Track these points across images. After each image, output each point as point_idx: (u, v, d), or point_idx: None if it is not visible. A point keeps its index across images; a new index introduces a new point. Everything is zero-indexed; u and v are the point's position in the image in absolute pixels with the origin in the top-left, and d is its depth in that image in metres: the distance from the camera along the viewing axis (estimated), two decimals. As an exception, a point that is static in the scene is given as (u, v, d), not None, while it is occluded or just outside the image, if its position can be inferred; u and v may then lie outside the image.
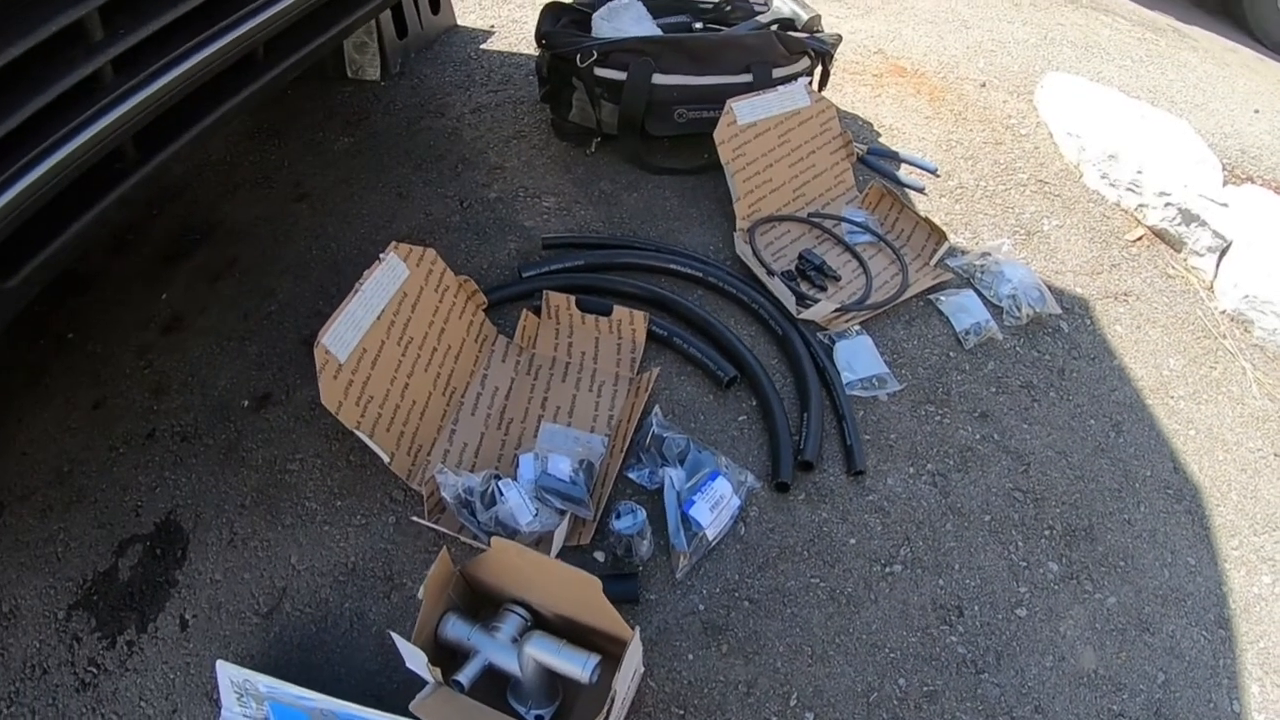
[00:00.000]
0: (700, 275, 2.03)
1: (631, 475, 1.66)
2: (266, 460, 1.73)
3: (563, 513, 1.53)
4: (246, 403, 1.83)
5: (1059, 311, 2.06)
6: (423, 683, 1.26)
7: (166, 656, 1.48)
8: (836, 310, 1.96)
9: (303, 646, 1.48)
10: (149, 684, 1.45)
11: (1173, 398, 1.96)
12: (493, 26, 3.07)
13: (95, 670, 1.47)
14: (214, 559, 1.59)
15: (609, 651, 1.31)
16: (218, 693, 1.39)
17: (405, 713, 1.22)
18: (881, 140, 2.58)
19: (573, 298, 1.86)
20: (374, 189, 2.35)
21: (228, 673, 1.36)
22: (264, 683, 1.33)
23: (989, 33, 3.22)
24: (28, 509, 1.69)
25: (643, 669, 1.42)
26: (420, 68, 2.85)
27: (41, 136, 1.14)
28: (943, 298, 2.04)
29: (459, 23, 3.08)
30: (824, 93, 2.43)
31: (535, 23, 2.44)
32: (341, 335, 1.50)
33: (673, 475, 1.59)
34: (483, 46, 2.96)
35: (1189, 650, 1.55)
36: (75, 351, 1.98)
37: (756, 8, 2.57)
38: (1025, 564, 1.62)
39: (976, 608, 1.56)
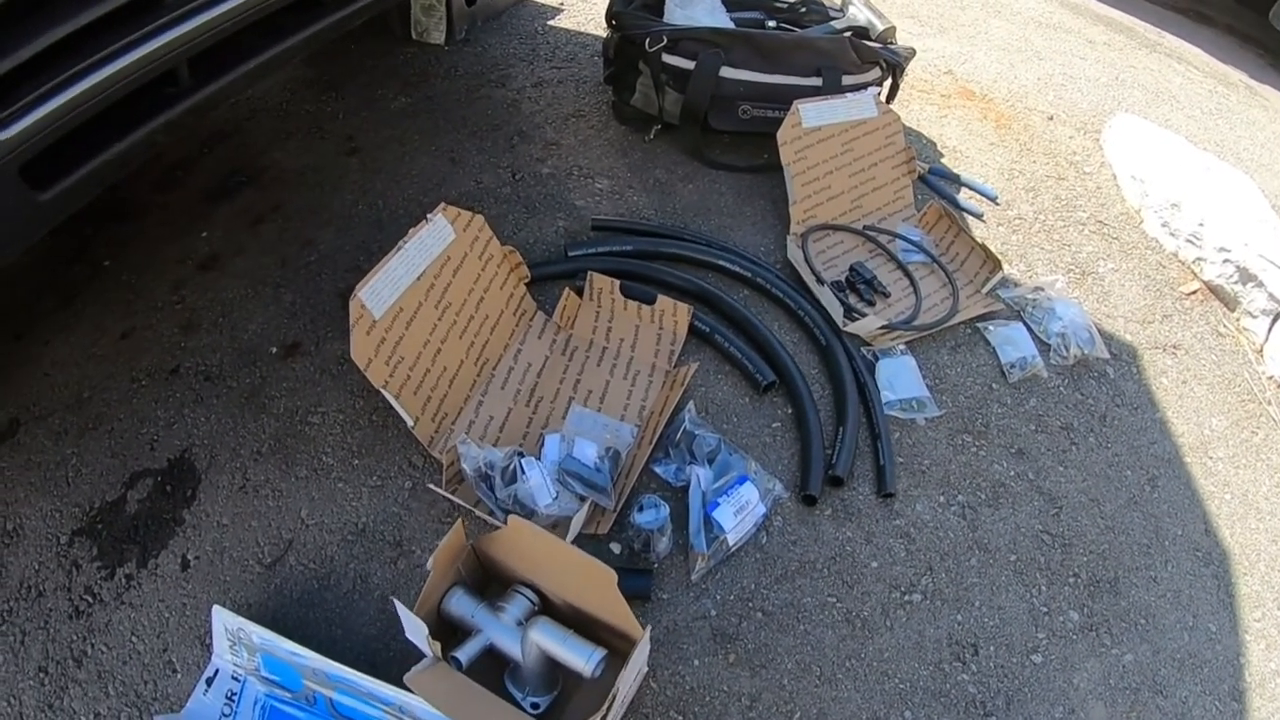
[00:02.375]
0: (748, 275, 2.00)
1: (658, 469, 1.63)
2: (288, 410, 1.71)
3: (583, 499, 1.50)
4: (275, 350, 1.81)
5: (1107, 356, 2.01)
6: (420, 654, 1.23)
7: (164, 595, 1.46)
8: (883, 327, 1.92)
9: (302, 602, 1.46)
10: (143, 619, 1.44)
11: (1211, 458, 1.90)
12: (562, 3, 3.05)
13: (90, 599, 1.46)
14: (223, 502, 1.57)
15: (614, 646, 1.28)
16: (210, 637, 1.37)
17: (399, 683, 1.20)
18: (944, 161, 2.53)
19: (617, 282, 1.83)
20: (427, 151, 2.33)
21: (223, 619, 1.34)
22: (258, 634, 1.31)
23: (1061, 66, 3.16)
24: (43, 430, 1.68)
25: (646, 668, 1.39)
26: (485, 37, 2.83)
27: (98, 46, 1.12)
28: (991, 327, 2.00)
29: (528, -4, 3.05)
30: (891, 106, 2.39)
31: (605, 3, 2.40)
32: (379, 291, 1.48)
33: (700, 474, 1.55)
34: (550, 22, 2.93)
35: (1200, 719, 1.49)
36: (109, 279, 1.97)
37: (832, 13, 2.54)
38: (1046, 610, 1.58)
39: (992, 648, 1.51)
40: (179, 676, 1.38)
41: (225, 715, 1.33)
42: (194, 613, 1.44)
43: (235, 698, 1.35)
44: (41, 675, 1.38)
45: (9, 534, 1.53)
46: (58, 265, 2.01)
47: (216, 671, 1.37)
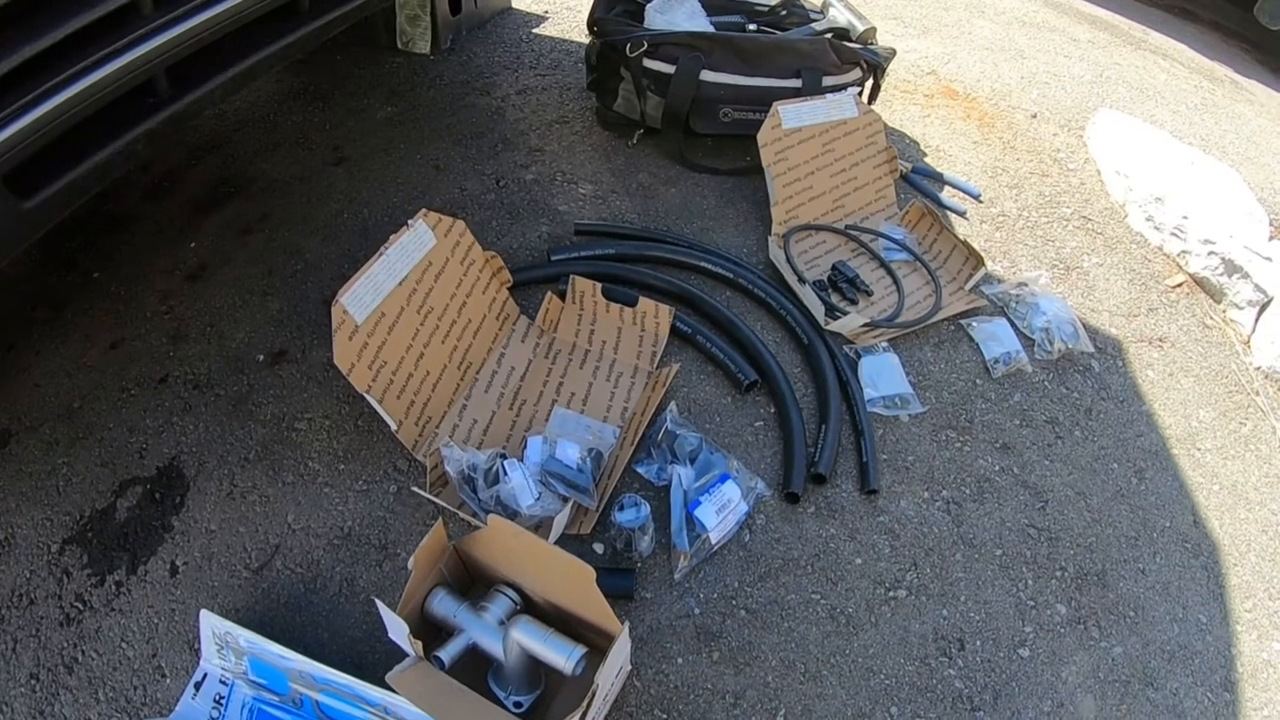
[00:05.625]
0: (730, 276, 2.01)
1: (640, 469, 1.63)
2: (275, 416, 1.72)
3: (566, 499, 1.51)
4: (262, 357, 1.82)
5: (1091, 350, 2.02)
6: (404, 655, 1.24)
7: (153, 601, 1.47)
8: (865, 325, 1.92)
9: (289, 606, 1.47)
10: (132, 626, 1.44)
11: (1199, 450, 1.91)
12: (547, 11, 3.06)
13: (81, 606, 1.47)
14: (211, 509, 1.58)
15: (597, 645, 1.28)
16: (199, 642, 1.38)
17: (385, 684, 1.20)
18: (927, 160, 2.54)
19: (599, 285, 1.84)
20: (412, 159, 2.34)
21: (211, 623, 1.35)
22: (245, 637, 1.32)
23: (1045, 65, 3.17)
24: (34, 440, 1.70)
25: (629, 667, 1.39)
26: (471, 45, 2.84)
27: (75, 59, 1.14)
28: (974, 324, 2.00)
29: (513, 5, 3.07)
30: (873, 106, 2.40)
31: (588, 11, 2.42)
32: (361, 297, 1.49)
33: (682, 474, 1.56)
34: (535, 30, 2.95)
35: (1191, 710, 1.49)
36: (99, 290, 1.98)
37: (812, 15, 2.55)
38: (1033, 603, 1.58)
39: (979, 643, 1.51)
40: (168, 681, 1.38)
41: (213, 718, 1.34)
42: (182, 618, 1.45)
43: (223, 701, 1.36)
44: (33, 682, 1.39)
45: (1, 543, 1.54)
46: (48, 277, 2.02)
47: (205, 675, 1.38)
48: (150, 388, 1.78)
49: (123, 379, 1.79)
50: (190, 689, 1.37)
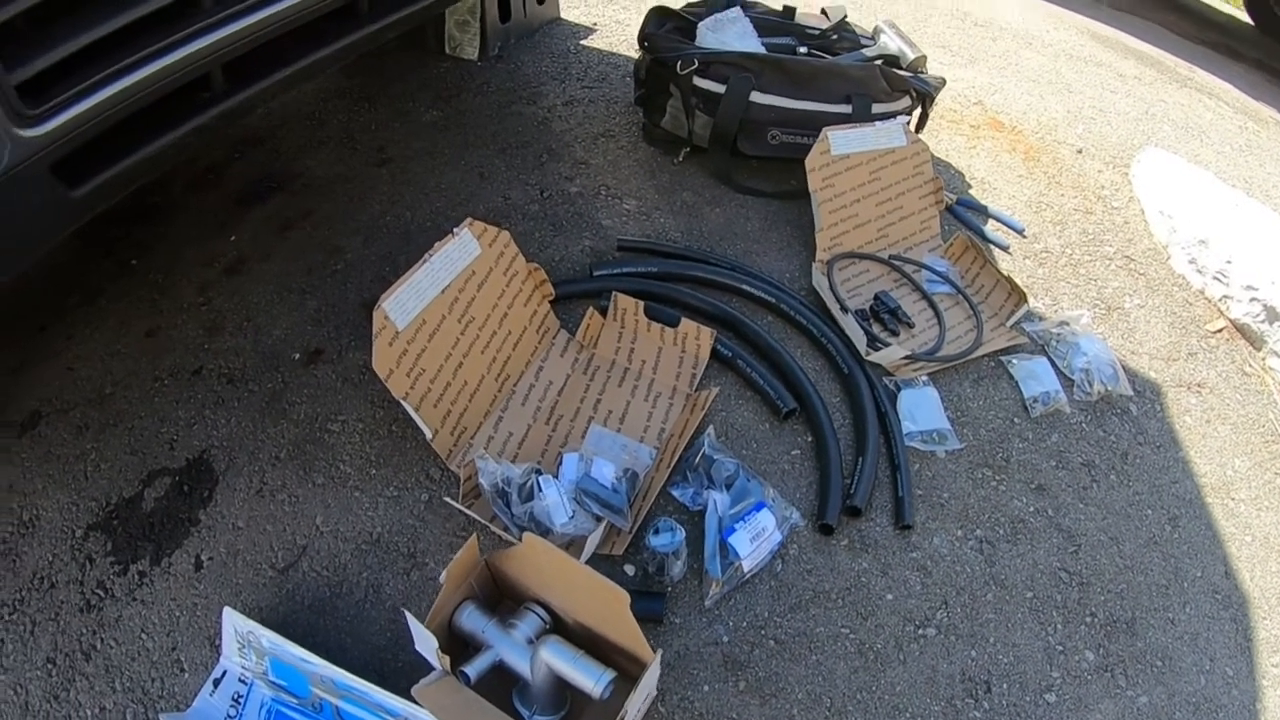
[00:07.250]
0: (772, 301, 1.99)
1: (675, 493, 1.62)
2: (308, 416, 1.71)
3: (599, 519, 1.49)
4: (298, 355, 1.82)
5: (1130, 393, 1.99)
6: (429, 667, 1.23)
7: (175, 594, 1.47)
8: (906, 357, 1.91)
9: (314, 608, 1.46)
10: (153, 617, 1.44)
11: (1234, 500, 1.88)
12: (596, 24, 3.06)
13: (102, 594, 1.47)
14: (240, 505, 1.58)
15: (624, 669, 1.27)
16: (220, 639, 1.38)
17: (406, 694, 1.19)
18: (971, 192, 2.52)
19: (641, 303, 1.83)
20: (456, 165, 2.34)
21: (233, 621, 1.35)
22: (267, 638, 1.31)
23: (1091, 99, 3.15)
24: (64, 424, 1.70)
25: (655, 692, 1.38)
26: (518, 54, 2.84)
27: (133, 49, 1.13)
28: (1014, 361, 1.98)
29: (563, 16, 3.07)
30: (921, 135, 2.38)
31: (639, 25, 2.41)
32: (403, 303, 1.48)
33: (717, 499, 1.54)
34: (583, 42, 2.94)
35: (1216, 765, 1.47)
36: (136, 278, 1.99)
37: (863, 40, 2.53)
38: (1061, 648, 1.56)
39: (1005, 685, 1.49)
40: (186, 676, 1.38)
41: (230, 717, 1.34)
42: (205, 613, 1.44)
43: (241, 700, 1.35)
44: (49, 666, 1.39)
45: (25, 524, 1.55)
46: (85, 263, 2.03)
47: (224, 673, 1.37)
48: (184, 379, 1.78)
49: (156, 368, 1.79)
50: (209, 685, 1.36)
